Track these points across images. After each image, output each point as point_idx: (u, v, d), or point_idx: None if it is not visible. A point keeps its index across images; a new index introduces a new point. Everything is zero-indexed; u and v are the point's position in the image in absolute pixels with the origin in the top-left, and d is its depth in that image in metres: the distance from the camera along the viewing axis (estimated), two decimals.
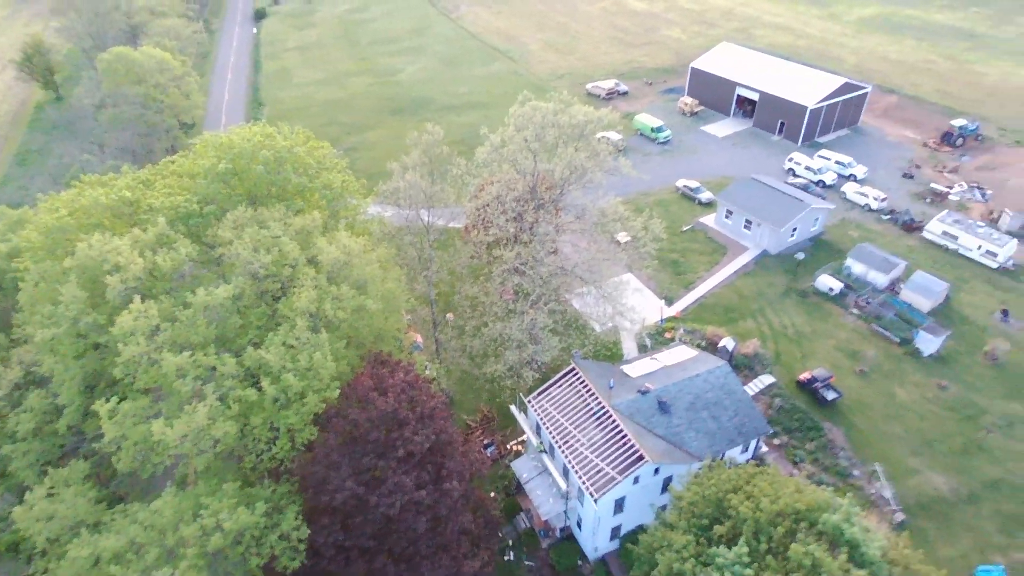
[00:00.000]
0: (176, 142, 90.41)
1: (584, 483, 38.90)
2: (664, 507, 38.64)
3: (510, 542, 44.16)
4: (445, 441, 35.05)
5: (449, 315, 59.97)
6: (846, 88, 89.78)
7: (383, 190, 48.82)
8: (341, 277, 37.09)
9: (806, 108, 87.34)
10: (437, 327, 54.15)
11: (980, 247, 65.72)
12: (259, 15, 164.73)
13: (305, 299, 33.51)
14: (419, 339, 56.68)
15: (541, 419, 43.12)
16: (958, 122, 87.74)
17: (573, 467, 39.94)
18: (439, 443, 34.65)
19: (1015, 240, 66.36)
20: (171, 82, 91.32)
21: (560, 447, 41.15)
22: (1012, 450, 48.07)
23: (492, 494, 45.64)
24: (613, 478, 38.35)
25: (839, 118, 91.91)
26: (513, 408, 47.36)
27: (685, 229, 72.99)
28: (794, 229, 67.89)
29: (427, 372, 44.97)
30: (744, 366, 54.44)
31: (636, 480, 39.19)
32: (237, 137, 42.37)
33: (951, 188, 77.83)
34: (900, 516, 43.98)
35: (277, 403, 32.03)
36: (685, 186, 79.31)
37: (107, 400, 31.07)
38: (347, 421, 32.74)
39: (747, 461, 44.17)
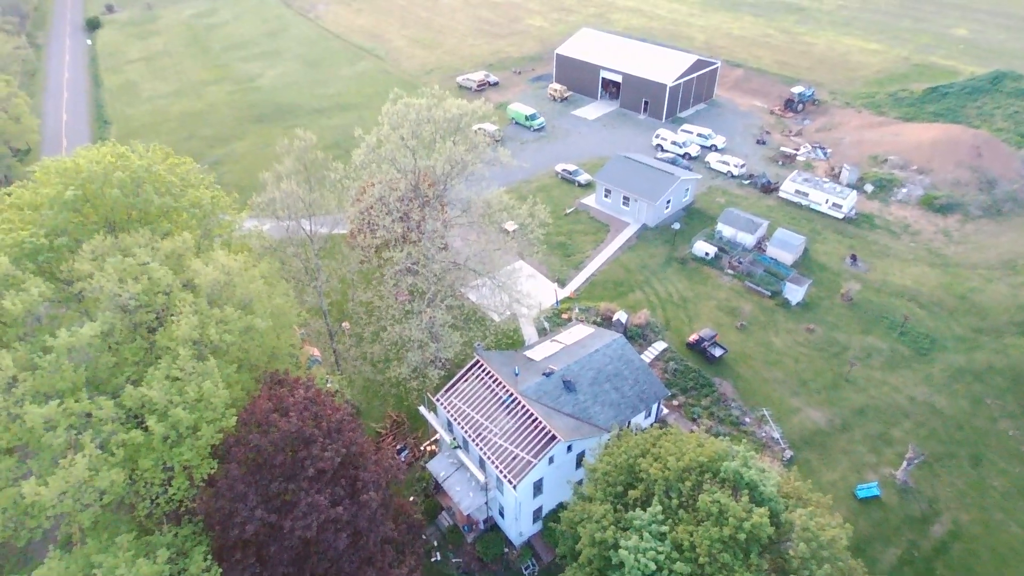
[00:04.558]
0: (10, 171, 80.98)
1: (501, 471, 39.39)
2: (580, 482, 39.92)
3: (435, 543, 43.93)
4: (356, 452, 34.21)
5: (345, 324, 58.31)
6: (698, 65, 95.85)
7: (257, 202, 46.52)
8: (223, 298, 35.01)
9: (666, 86, 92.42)
10: (333, 338, 52.55)
11: (828, 201, 72.77)
12: (92, 25, 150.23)
13: (185, 326, 31.34)
14: (316, 353, 54.70)
15: (451, 415, 43.10)
16: (797, 89, 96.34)
17: (488, 458, 40.30)
18: (350, 455, 33.77)
19: (854, 191, 74.09)
20: None
21: (473, 440, 41.37)
22: (872, 378, 53.94)
23: (411, 498, 45.19)
24: (529, 462, 39.12)
25: (696, 93, 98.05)
26: (422, 409, 46.99)
27: (568, 212, 75.19)
28: (668, 201, 71.83)
29: (328, 385, 43.53)
30: (638, 336, 57.14)
31: (551, 460, 40.19)
32: (84, 160, 38.72)
33: (798, 150, 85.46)
34: (788, 453, 48.16)
35: (168, 441, 29.85)
36: (564, 170, 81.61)
37: None
38: (249, 448, 31.13)
39: (651, 425, 46.59)
